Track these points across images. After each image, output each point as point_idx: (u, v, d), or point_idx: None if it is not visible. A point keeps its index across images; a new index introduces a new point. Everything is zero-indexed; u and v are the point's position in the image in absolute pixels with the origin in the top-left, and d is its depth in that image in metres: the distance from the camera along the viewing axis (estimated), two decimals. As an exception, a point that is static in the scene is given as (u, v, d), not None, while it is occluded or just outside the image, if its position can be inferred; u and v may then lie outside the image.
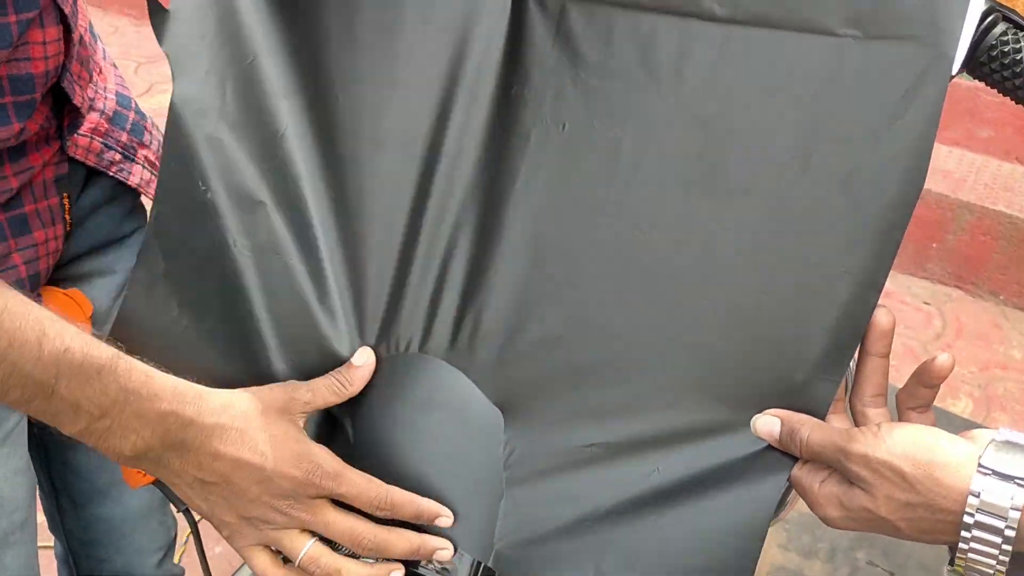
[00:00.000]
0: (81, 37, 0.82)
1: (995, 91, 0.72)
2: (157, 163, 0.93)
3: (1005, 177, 2.61)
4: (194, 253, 0.70)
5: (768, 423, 0.63)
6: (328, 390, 0.67)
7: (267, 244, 0.69)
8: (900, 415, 0.64)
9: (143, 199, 0.95)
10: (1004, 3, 0.72)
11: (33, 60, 0.73)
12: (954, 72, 0.65)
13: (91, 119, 0.85)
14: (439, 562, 0.68)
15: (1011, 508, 0.52)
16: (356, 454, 0.69)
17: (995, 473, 0.53)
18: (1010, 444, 0.55)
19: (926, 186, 2.19)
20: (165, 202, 0.70)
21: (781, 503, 1.06)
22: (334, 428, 0.72)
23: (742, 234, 0.65)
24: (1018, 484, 0.52)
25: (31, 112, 0.75)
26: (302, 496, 0.65)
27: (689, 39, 0.66)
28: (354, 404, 0.69)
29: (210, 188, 0.69)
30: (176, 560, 1.22)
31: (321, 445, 0.66)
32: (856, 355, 0.65)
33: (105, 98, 0.87)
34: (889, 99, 0.62)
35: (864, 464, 0.57)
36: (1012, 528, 0.53)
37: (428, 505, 0.66)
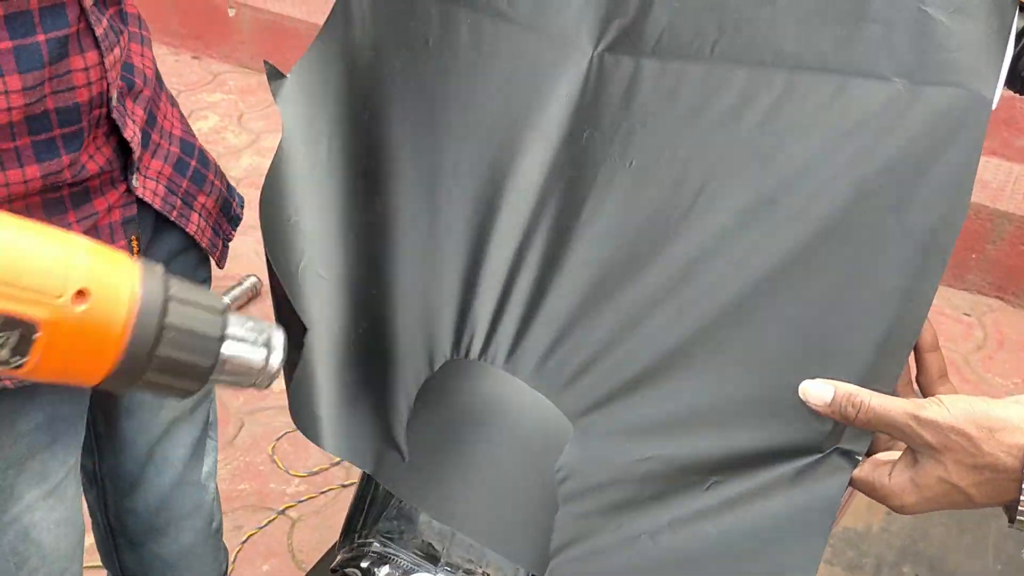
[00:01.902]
0: (144, 74, 0.85)
1: None
2: (215, 212, 0.96)
3: (1044, 186, 2.59)
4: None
5: (820, 387, 0.65)
6: None
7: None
8: (925, 394, 0.68)
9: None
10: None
11: (77, 88, 0.75)
12: (994, 106, 0.68)
13: (155, 164, 0.88)
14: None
15: None
16: (411, 465, 0.72)
17: None
18: None
19: None
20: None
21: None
22: (386, 447, 0.75)
23: (797, 257, 0.69)
24: None
25: (79, 144, 0.77)
26: None
27: (753, 86, 0.72)
28: (415, 408, 0.73)
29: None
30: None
31: None
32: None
33: (169, 144, 0.90)
34: (935, 136, 0.68)
35: (934, 430, 0.61)
36: None
37: None
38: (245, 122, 3.28)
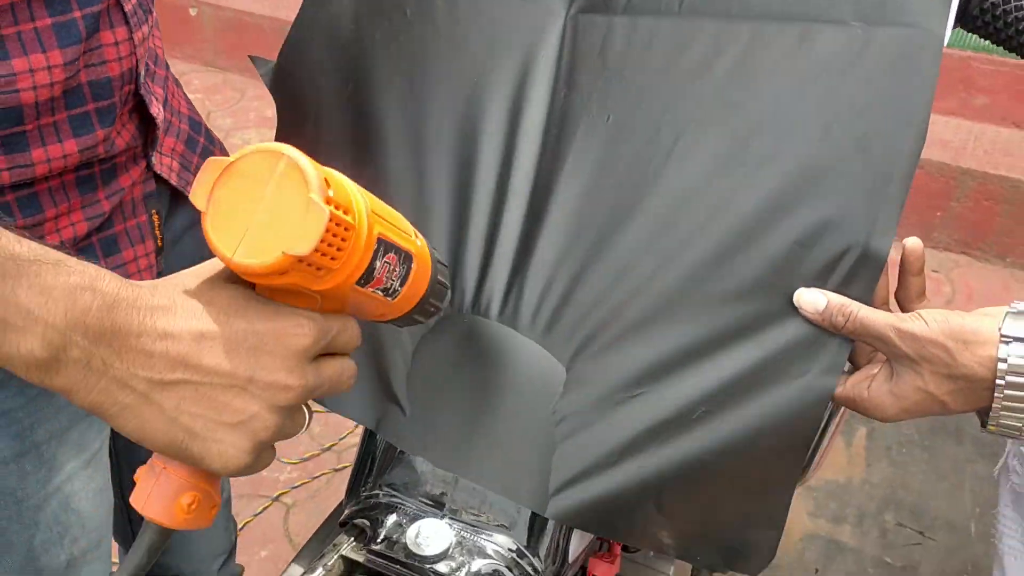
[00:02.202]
0: (155, 54, 0.87)
1: (986, 58, 0.79)
2: None
3: (1004, 142, 2.66)
4: None
5: (812, 296, 0.69)
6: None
7: None
8: (904, 310, 0.72)
9: None
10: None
11: (108, 62, 0.78)
12: (946, 42, 0.72)
13: (168, 141, 0.90)
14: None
15: None
16: (412, 418, 0.75)
17: (1016, 339, 0.62)
18: (1022, 312, 0.64)
19: (926, 156, 2.26)
20: None
21: (807, 465, 1.12)
22: (387, 403, 0.77)
23: (771, 197, 0.73)
24: None
25: (112, 119, 0.80)
26: (302, 357, 0.52)
27: (722, 38, 0.76)
28: (414, 364, 0.75)
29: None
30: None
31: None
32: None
33: (180, 122, 0.93)
34: (893, 73, 0.72)
35: (913, 342, 0.65)
36: None
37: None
38: (213, 120, 3.28)
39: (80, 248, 0.82)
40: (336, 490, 1.91)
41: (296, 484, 1.93)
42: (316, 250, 0.46)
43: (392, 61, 0.85)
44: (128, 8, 0.79)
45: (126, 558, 0.54)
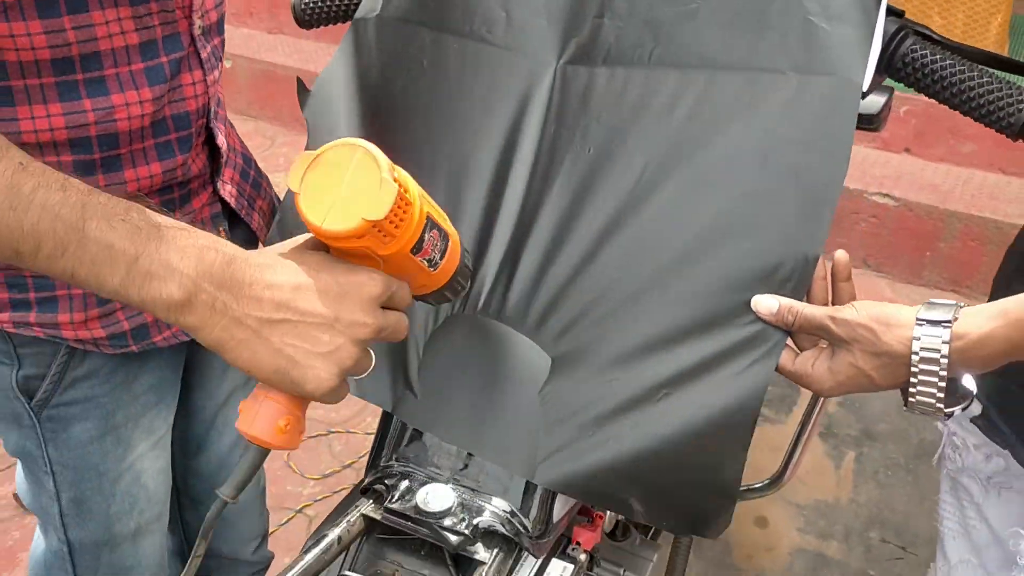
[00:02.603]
0: (218, 96, 1.05)
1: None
2: (269, 213, 1.17)
3: (990, 187, 2.80)
4: None
5: (768, 301, 0.84)
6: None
7: None
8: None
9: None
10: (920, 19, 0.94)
11: (187, 99, 0.96)
12: (865, 88, 0.88)
13: (228, 171, 1.08)
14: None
15: (942, 342, 0.74)
16: (423, 401, 0.90)
17: (928, 322, 0.75)
18: (936, 304, 0.77)
19: (916, 199, 2.46)
20: None
21: (783, 470, 1.26)
22: (402, 389, 0.92)
23: (721, 213, 0.88)
24: (944, 327, 0.74)
25: (189, 147, 0.97)
26: (372, 302, 0.66)
27: (682, 84, 0.92)
28: (425, 355, 0.92)
29: None
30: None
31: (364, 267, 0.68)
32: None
33: (235, 157, 1.10)
34: (820, 114, 0.88)
35: (846, 326, 0.79)
36: (946, 358, 0.74)
37: None
38: (244, 165, 3.48)
39: None
40: (355, 504, 2.05)
41: (318, 498, 2.07)
42: (386, 217, 0.63)
43: (411, 102, 1.01)
44: (204, 55, 0.97)
45: (231, 475, 0.69)
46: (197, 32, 0.95)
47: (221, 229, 1.06)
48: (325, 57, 3.75)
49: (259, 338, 0.63)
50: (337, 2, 1.17)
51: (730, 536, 1.97)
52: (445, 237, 0.71)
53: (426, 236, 0.68)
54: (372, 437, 2.35)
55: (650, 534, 1.34)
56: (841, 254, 0.87)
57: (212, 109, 1.00)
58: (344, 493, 2.08)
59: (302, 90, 1.03)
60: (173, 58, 0.93)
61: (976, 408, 1.03)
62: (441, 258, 0.71)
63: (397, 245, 0.66)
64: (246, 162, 1.13)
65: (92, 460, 1.01)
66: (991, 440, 1.04)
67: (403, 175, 0.66)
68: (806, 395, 2.31)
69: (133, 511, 1.06)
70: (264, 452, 0.69)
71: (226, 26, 1.04)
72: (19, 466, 1.08)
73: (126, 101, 0.89)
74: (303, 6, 1.17)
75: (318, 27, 1.20)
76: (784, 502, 2.06)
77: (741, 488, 0.93)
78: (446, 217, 0.73)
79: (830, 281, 0.87)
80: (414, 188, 0.67)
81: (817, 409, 1.25)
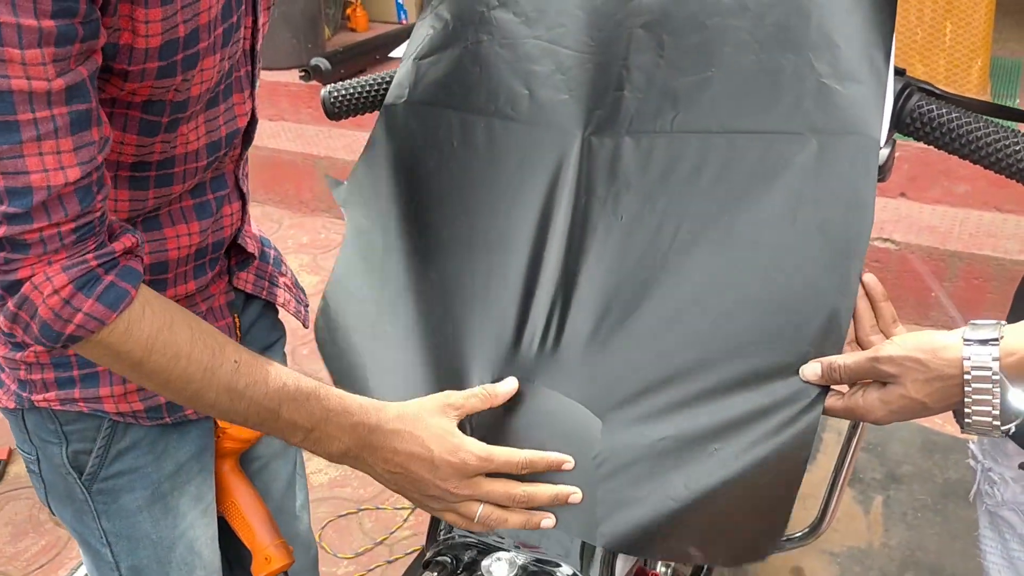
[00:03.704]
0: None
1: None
2: (293, 287, 1.21)
3: (987, 225, 2.86)
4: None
5: (812, 367, 0.87)
6: (477, 399, 0.91)
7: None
8: (885, 334, 0.88)
9: (282, 313, 1.24)
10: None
11: (225, 228, 1.03)
12: (883, 144, 0.93)
13: (252, 266, 1.14)
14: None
15: (992, 359, 0.76)
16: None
17: (976, 342, 0.77)
18: (980, 324, 0.79)
19: (916, 241, 2.53)
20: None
21: (821, 518, 1.28)
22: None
23: (755, 271, 0.92)
24: (992, 344, 0.76)
25: (216, 265, 1.06)
26: (462, 477, 0.87)
27: (705, 149, 0.97)
28: (481, 420, 0.94)
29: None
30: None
31: (470, 437, 0.89)
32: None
33: (255, 243, 1.15)
34: (841, 171, 0.92)
35: (891, 363, 0.81)
36: (998, 375, 0.76)
37: (555, 456, 0.90)
38: (253, 249, 3.53)
39: None
40: (390, 580, 2.05)
41: (353, 577, 2.08)
42: None
43: (444, 182, 1.06)
44: (244, 189, 1.06)
45: None
46: (241, 172, 1.04)
47: (236, 316, 1.12)
48: (325, 140, 3.84)
49: (386, 477, 0.91)
50: (365, 93, 1.23)
51: (768, 589, 1.97)
52: None
53: None
54: (401, 512, 2.36)
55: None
56: (870, 277, 0.90)
57: (243, 227, 1.08)
58: (378, 571, 2.09)
59: (333, 183, 1.09)
60: (219, 195, 1.02)
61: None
62: None
63: None
64: (265, 244, 1.19)
65: (144, 528, 1.05)
66: None
67: None
68: (831, 442, 2.34)
69: None
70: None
71: None
72: (80, 551, 1.11)
73: (176, 233, 0.97)
74: (332, 100, 1.23)
75: (346, 119, 1.26)
76: (818, 552, 2.06)
77: (782, 539, 0.95)
78: None
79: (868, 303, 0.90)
80: None
81: (851, 455, 1.27)
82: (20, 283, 0.76)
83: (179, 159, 0.92)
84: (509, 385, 0.93)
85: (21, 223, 0.73)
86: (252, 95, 1.00)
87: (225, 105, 0.94)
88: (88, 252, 0.78)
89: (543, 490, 0.89)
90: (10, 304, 0.77)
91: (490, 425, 0.95)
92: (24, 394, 1.00)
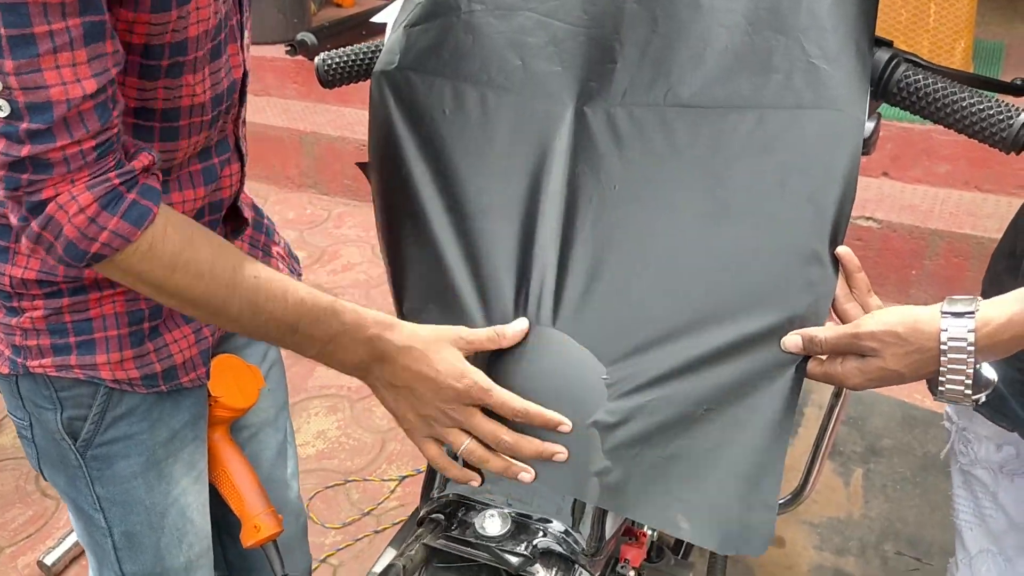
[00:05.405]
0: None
1: (945, 130, 1.03)
2: (286, 256, 1.22)
3: (967, 204, 2.90)
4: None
5: (793, 338, 0.89)
6: (486, 338, 0.93)
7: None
8: (862, 304, 0.91)
9: None
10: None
11: (223, 188, 1.04)
12: (867, 119, 0.95)
13: (247, 232, 1.15)
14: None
15: (968, 331, 0.79)
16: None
17: (953, 315, 0.80)
18: (956, 299, 0.82)
19: (898, 220, 2.57)
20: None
21: (803, 486, 1.30)
22: None
23: (747, 240, 0.94)
24: (968, 317, 0.79)
25: (219, 221, 1.06)
26: (461, 403, 0.89)
27: (697, 121, 0.98)
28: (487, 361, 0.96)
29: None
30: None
31: (476, 368, 0.91)
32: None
33: (251, 210, 1.16)
34: (828, 144, 0.95)
35: (872, 338, 0.84)
36: (972, 346, 0.79)
37: (553, 415, 0.90)
38: (238, 225, 3.52)
39: None
40: (377, 549, 2.07)
41: (340, 547, 2.09)
42: None
43: (435, 148, 1.06)
44: (244, 149, 1.07)
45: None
46: (240, 134, 1.05)
47: None
48: (311, 115, 3.82)
49: (390, 392, 0.93)
50: (359, 61, 1.23)
51: (749, 557, 2.01)
52: None
53: None
54: (388, 483, 2.38)
55: (681, 553, 1.38)
56: (843, 249, 0.92)
57: (241, 191, 1.09)
58: (365, 540, 2.12)
59: (362, 165, 1.14)
60: (222, 159, 1.02)
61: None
62: None
63: None
64: (258, 212, 1.20)
65: (137, 494, 1.06)
66: (997, 424, 1.09)
67: None
68: (812, 414, 2.39)
69: (182, 544, 1.10)
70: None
71: None
72: (72, 518, 1.12)
73: (183, 199, 0.98)
74: (326, 68, 1.24)
75: (340, 87, 1.27)
76: (798, 521, 2.10)
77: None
78: None
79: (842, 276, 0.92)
80: None
81: (832, 425, 1.30)
82: (45, 203, 0.77)
83: (184, 111, 0.92)
84: (519, 326, 0.94)
85: (44, 141, 0.74)
86: (243, 46, 1.00)
87: (226, 55, 0.95)
88: (110, 170, 0.78)
89: (529, 442, 0.90)
90: (33, 225, 0.78)
91: (494, 365, 0.96)
92: (19, 360, 1.00)
